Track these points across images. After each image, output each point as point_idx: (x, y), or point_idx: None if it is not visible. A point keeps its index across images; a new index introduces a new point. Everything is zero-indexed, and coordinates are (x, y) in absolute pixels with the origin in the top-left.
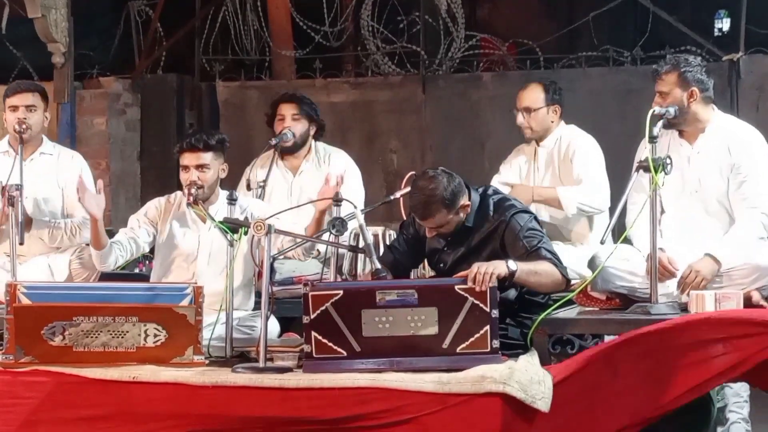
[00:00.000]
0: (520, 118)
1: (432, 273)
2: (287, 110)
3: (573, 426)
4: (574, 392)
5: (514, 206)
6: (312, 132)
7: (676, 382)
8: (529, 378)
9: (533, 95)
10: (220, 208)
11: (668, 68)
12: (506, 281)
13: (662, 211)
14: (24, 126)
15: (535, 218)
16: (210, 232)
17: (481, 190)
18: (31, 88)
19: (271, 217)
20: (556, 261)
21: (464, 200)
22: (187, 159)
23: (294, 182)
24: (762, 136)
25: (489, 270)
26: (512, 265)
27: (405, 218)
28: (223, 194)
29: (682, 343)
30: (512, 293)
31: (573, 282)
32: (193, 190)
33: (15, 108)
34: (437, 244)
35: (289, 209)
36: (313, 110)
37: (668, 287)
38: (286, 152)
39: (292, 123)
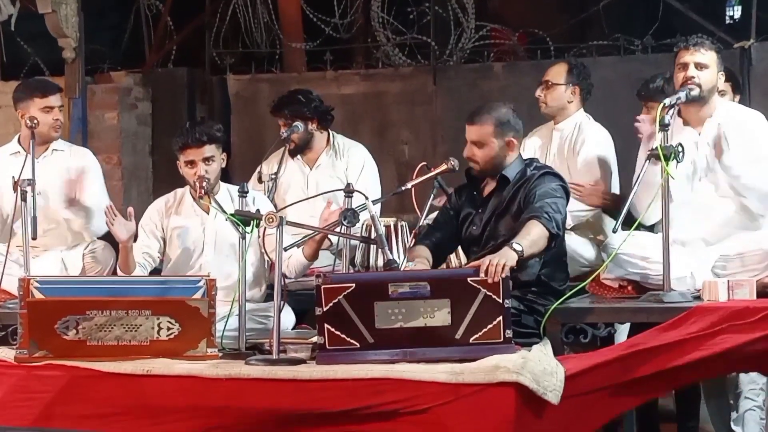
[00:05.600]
0: (539, 91)
1: (442, 267)
2: (279, 119)
3: (580, 416)
4: (584, 387)
5: (551, 169)
6: (312, 127)
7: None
8: (542, 369)
9: (556, 70)
10: (222, 199)
11: (709, 45)
12: (520, 263)
13: (671, 200)
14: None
15: (564, 188)
16: (214, 222)
17: (528, 160)
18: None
19: (284, 208)
20: (545, 216)
21: (514, 137)
22: (193, 154)
23: (311, 175)
24: (766, 121)
25: (501, 261)
26: (517, 246)
27: (417, 210)
28: (224, 185)
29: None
30: (533, 274)
31: (584, 271)
32: (204, 184)
33: (50, 109)
34: (471, 208)
35: (297, 202)
36: (307, 107)
37: (682, 274)
38: (294, 152)
39: (286, 129)
